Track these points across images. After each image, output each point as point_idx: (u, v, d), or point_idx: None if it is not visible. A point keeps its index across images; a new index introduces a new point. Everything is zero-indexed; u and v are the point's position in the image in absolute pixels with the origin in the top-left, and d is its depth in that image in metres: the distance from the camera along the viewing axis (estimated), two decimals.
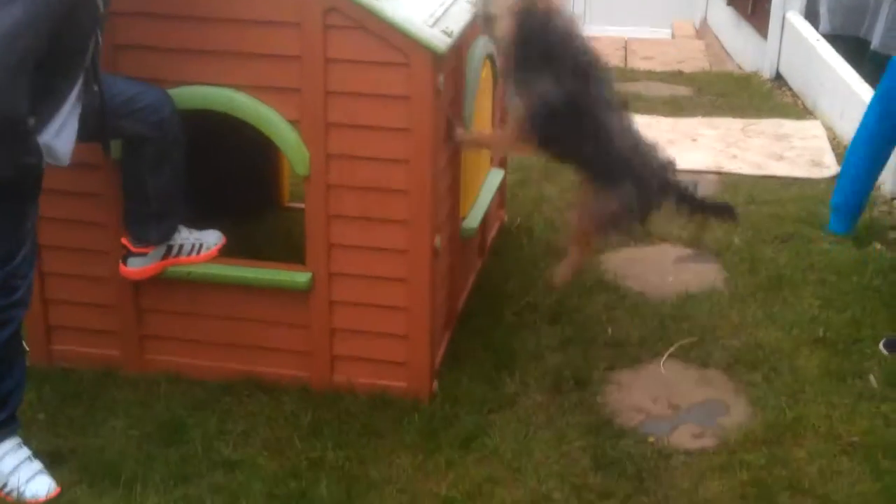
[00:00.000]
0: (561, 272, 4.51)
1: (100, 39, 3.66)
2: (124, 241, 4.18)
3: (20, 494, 3.65)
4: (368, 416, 4.14)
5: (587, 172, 4.24)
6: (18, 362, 3.74)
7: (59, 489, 3.70)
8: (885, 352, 4.61)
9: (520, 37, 4.00)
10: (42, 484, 3.69)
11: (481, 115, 4.81)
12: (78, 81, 3.59)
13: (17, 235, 3.57)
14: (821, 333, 4.77)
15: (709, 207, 4.39)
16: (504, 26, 4.02)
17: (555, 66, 3.99)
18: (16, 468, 3.69)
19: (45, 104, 3.45)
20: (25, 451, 3.76)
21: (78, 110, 3.63)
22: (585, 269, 5.30)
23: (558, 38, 4.01)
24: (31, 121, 3.37)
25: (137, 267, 4.21)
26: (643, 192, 4.15)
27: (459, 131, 4.33)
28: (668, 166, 4.25)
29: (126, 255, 4.20)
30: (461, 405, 4.21)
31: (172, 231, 4.23)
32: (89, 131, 3.75)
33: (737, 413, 4.26)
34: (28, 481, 3.67)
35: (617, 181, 4.13)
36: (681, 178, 4.30)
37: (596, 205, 4.23)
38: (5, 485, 3.67)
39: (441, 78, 3.93)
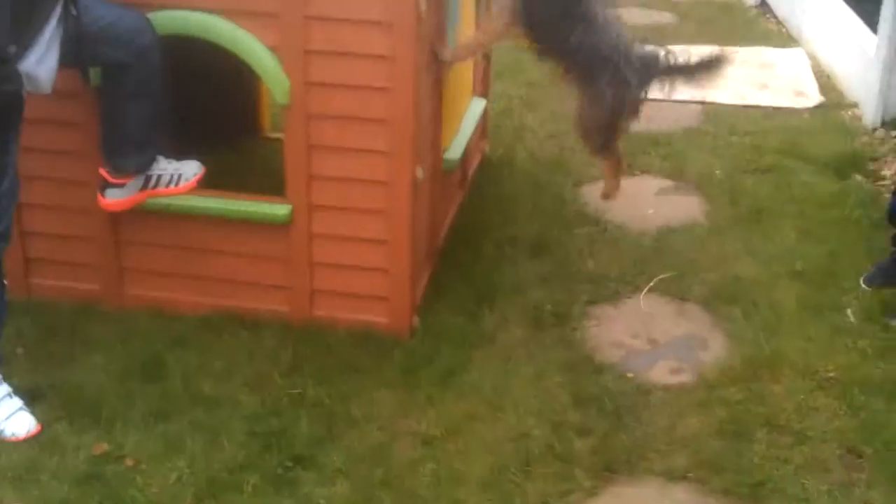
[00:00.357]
0: (606, 191, 4.60)
1: None
2: (102, 171, 4.13)
3: None
4: (349, 352, 4.14)
5: (568, 65, 4.23)
6: None
7: (39, 427, 3.70)
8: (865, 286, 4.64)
9: None
10: (23, 422, 3.68)
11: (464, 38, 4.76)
12: (58, 6, 3.52)
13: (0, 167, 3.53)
14: (799, 267, 4.79)
15: (697, 68, 4.37)
16: None
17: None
18: None
19: (25, 31, 3.39)
20: (6, 388, 3.75)
21: (58, 37, 3.56)
22: (567, 201, 5.30)
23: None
24: (12, 49, 3.31)
25: (115, 198, 4.16)
26: (622, 88, 4.17)
27: (446, 51, 4.28)
28: (652, 58, 4.26)
29: (104, 185, 4.15)
30: (442, 340, 4.22)
31: (151, 161, 4.17)
32: (68, 58, 3.67)
33: (715, 348, 4.28)
34: (7, 419, 3.67)
35: (595, 78, 4.15)
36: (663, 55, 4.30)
37: (585, 111, 4.27)
38: None
39: (423, 3, 3.87)
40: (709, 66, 4.38)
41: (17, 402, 3.74)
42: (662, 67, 4.28)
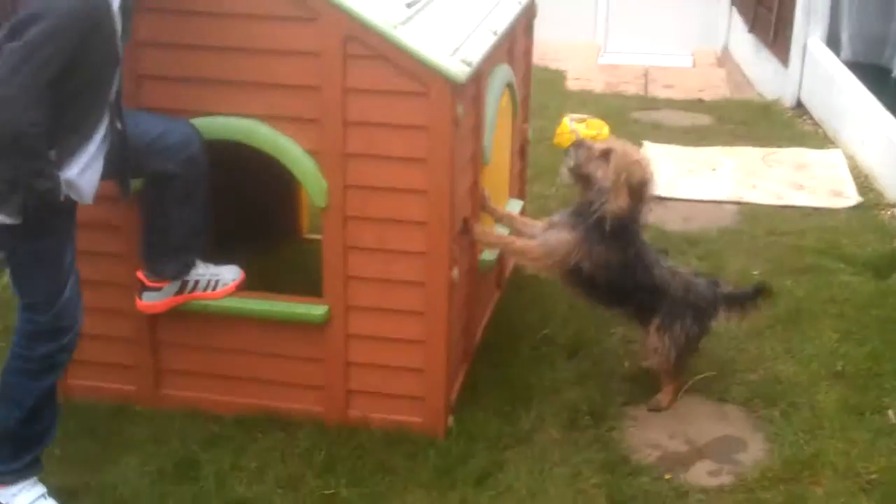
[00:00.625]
0: (657, 405, 4.53)
1: (121, 75, 3.66)
2: (140, 274, 4.18)
3: None
4: (383, 452, 4.13)
5: (624, 305, 4.47)
6: (52, 407, 3.75)
7: None
8: None
9: (621, 208, 4.15)
10: None
11: (500, 143, 4.81)
12: (104, 119, 3.58)
13: (58, 277, 3.58)
14: (840, 367, 4.73)
15: (747, 298, 4.57)
16: (618, 199, 4.14)
17: (624, 238, 4.24)
18: None
19: (68, 140, 3.44)
20: (41, 489, 3.75)
21: (104, 150, 3.62)
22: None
23: (638, 224, 4.28)
24: (52, 154, 3.37)
25: (151, 301, 4.21)
26: (684, 322, 4.40)
27: (477, 230, 4.39)
28: (707, 291, 4.51)
29: (141, 288, 4.20)
30: (477, 441, 4.20)
31: (189, 267, 4.22)
32: (112, 170, 3.75)
33: (754, 449, 4.23)
34: None
35: (657, 314, 4.35)
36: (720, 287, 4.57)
37: (650, 347, 4.44)
38: None
39: (460, 107, 3.92)
40: (755, 296, 4.57)
41: (51, 502, 3.74)
42: (717, 300, 4.50)
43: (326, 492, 3.89)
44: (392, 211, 4.05)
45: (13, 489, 3.71)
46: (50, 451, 4.09)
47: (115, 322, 4.38)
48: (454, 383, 4.41)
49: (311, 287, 4.27)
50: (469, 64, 3.93)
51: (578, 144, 4.29)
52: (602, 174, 4.19)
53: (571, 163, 4.27)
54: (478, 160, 4.41)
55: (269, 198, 5.42)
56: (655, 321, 4.39)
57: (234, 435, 4.24)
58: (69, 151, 3.46)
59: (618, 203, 4.14)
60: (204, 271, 4.27)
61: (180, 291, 4.24)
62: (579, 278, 4.34)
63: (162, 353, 4.42)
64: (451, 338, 4.23)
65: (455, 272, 4.13)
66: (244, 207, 5.05)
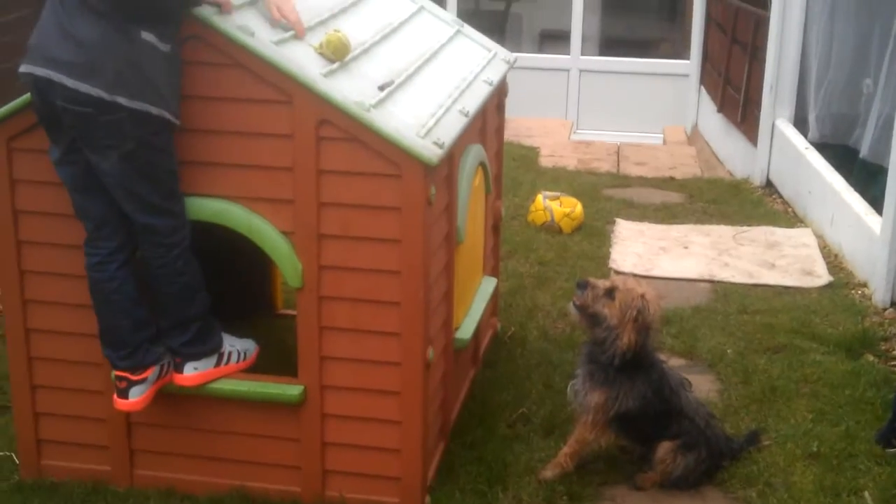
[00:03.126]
0: (644, 484, 4.56)
1: None
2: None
3: None
4: None
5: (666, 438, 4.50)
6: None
7: None
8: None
9: (632, 343, 4.26)
10: None
11: (474, 222, 4.84)
12: None
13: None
14: (815, 448, 4.74)
15: (745, 445, 4.76)
16: (627, 336, 4.26)
17: (643, 365, 4.38)
18: None
19: None
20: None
21: None
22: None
23: (651, 348, 4.42)
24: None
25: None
26: (712, 457, 4.55)
27: (548, 473, 4.48)
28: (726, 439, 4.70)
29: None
30: None
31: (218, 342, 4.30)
32: None
33: None
34: None
35: (694, 443, 4.48)
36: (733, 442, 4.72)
37: (679, 466, 4.49)
38: None
39: (433, 189, 3.96)
40: (750, 443, 4.77)
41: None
42: (729, 451, 4.67)
43: None
44: (367, 291, 4.06)
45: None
46: None
47: (89, 402, 4.36)
48: (431, 462, 4.40)
49: (285, 364, 4.26)
50: (441, 146, 3.98)
51: (583, 284, 4.38)
52: (609, 312, 4.30)
53: (578, 302, 4.37)
54: (452, 239, 4.44)
55: (244, 273, 5.42)
56: (674, 442, 4.45)
57: None
58: None
59: (627, 340, 4.25)
60: (234, 343, 4.33)
61: (217, 364, 4.25)
62: (625, 419, 4.43)
63: (136, 433, 4.38)
64: (428, 417, 4.22)
65: (430, 352, 4.13)
66: (218, 283, 5.03)
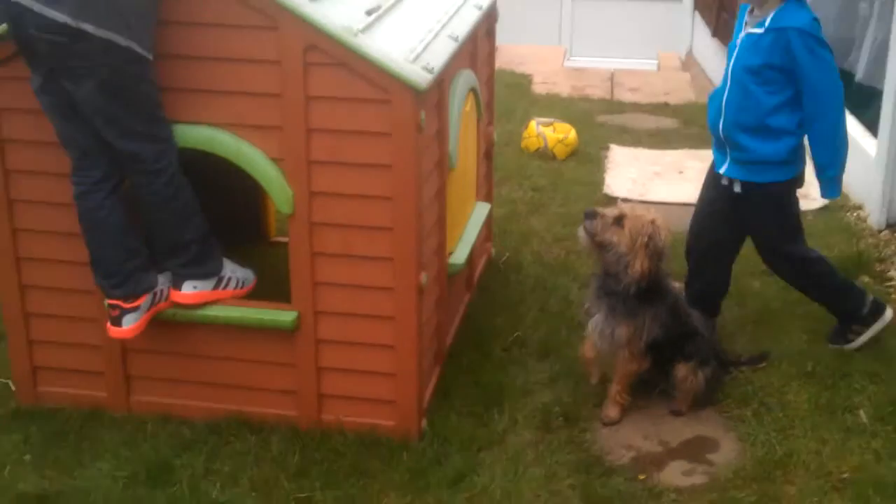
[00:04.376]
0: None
1: None
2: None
3: None
4: (357, 455, 4.12)
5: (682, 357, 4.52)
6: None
7: None
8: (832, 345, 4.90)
9: (645, 271, 4.23)
10: None
11: (466, 148, 4.81)
12: None
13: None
14: (810, 368, 4.76)
15: (746, 363, 4.83)
16: (639, 263, 4.22)
17: (660, 292, 4.37)
18: None
19: None
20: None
21: None
22: (574, 303, 5.29)
23: (664, 276, 4.41)
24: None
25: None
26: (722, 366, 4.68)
27: (611, 412, 4.45)
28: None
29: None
30: (450, 443, 4.19)
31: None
32: None
33: (727, 449, 4.25)
34: None
35: (706, 357, 4.54)
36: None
37: (692, 385, 4.50)
38: None
39: (422, 114, 3.92)
40: (756, 361, 4.85)
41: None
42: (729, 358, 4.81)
43: (300, 495, 3.88)
44: (358, 217, 4.04)
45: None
46: (20, 457, 4.10)
47: (84, 329, 4.36)
48: (427, 386, 4.41)
49: (280, 291, 4.25)
50: (430, 71, 3.93)
51: (591, 213, 4.33)
52: (618, 240, 4.26)
53: (586, 232, 4.33)
54: (444, 165, 4.41)
55: (236, 202, 5.39)
56: (689, 361, 4.46)
57: (206, 439, 4.21)
58: None
59: (640, 267, 4.22)
60: (235, 269, 4.33)
61: (216, 287, 4.25)
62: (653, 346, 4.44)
63: (131, 359, 4.39)
64: (422, 341, 4.23)
65: (424, 277, 4.12)
66: (211, 212, 5.00)
